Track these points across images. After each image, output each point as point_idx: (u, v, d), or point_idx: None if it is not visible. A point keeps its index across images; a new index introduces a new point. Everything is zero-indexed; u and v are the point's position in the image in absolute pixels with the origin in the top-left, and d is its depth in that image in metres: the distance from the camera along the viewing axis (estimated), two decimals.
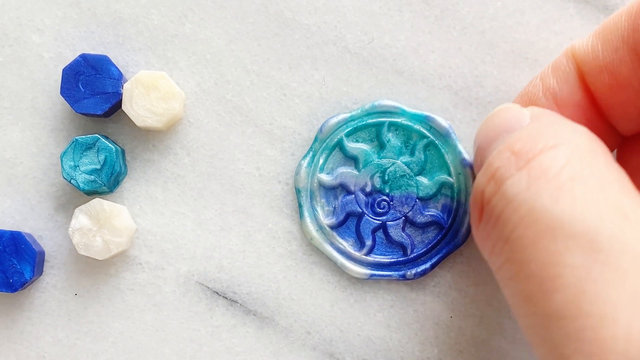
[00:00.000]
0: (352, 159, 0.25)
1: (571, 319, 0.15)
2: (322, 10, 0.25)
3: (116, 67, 0.24)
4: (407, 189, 0.25)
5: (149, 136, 0.25)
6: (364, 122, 0.25)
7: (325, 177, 0.25)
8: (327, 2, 0.25)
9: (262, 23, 0.25)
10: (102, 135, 0.24)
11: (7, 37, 0.25)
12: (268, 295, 0.25)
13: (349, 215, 0.25)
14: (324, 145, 0.25)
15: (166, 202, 0.25)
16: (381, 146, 0.25)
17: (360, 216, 0.25)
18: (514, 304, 0.17)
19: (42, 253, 0.25)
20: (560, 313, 0.16)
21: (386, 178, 0.25)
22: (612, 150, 0.22)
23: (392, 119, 0.25)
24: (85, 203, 0.24)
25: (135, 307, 0.25)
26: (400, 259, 0.25)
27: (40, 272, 0.25)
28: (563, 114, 0.21)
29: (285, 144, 0.25)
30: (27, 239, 0.24)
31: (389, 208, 0.25)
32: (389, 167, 0.25)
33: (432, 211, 0.25)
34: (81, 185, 0.24)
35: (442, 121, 0.24)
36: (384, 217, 0.25)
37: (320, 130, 0.25)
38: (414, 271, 0.25)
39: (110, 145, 0.24)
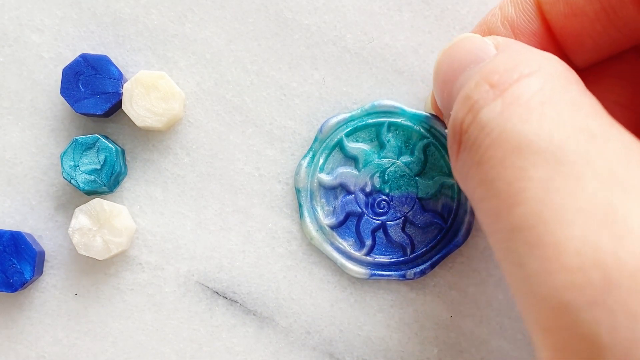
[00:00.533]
0: (352, 159, 0.25)
1: (532, 228, 0.16)
2: (322, 10, 0.25)
3: (116, 67, 0.24)
4: (407, 189, 0.25)
5: (149, 136, 0.25)
6: (363, 122, 0.25)
7: (325, 177, 0.25)
8: (327, 2, 0.25)
9: (262, 23, 0.25)
10: (102, 135, 0.24)
11: (7, 37, 0.25)
12: (268, 295, 0.25)
13: (349, 215, 0.25)
14: (324, 145, 0.25)
15: (166, 202, 0.25)
16: (381, 146, 0.25)
17: (360, 216, 0.25)
18: (485, 225, 0.18)
19: (42, 253, 0.25)
20: (523, 224, 0.16)
21: (386, 178, 0.25)
22: None
23: (392, 119, 0.25)
24: (85, 203, 0.24)
25: (135, 307, 0.25)
26: (400, 259, 0.25)
27: (40, 272, 0.25)
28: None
29: (285, 144, 0.25)
30: (27, 239, 0.24)
31: (389, 208, 0.25)
32: (389, 167, 0.25)
33: (432, 211, 0.25)
34: (81, 185, 0.24)
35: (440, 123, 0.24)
36: (384, 217, 0.25)
37: (320, 130, 0.25)
38: (414, 271, 0.25)
39: (110, 145, 0.24)
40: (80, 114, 0.24)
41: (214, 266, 0.25)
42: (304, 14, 0.25)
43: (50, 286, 0.25)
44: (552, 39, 0.22)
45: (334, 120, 0.25)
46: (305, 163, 0.25)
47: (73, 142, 0.24)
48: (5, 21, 0.25)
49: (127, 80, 0.25)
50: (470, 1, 0.25)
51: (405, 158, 0.25)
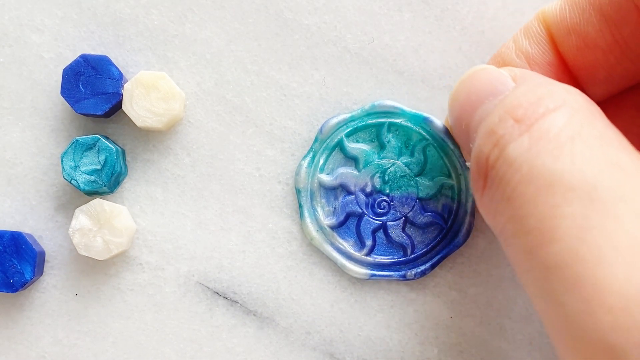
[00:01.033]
0: (353, 159, 0.25)
1: (569, 266, 0.15)
2: (322, 10, 0.25)
3: (116, 68, 0.24)
4: (407, 189, 0.25)
5: (149, 136, 0.25)
6: (364, 123, 0.25)
7: (325, 178, 0.25)
8: (327, 2, 0.25)
9: (262, 23, 0.25)
10: (102, 136, 0.24)
11: (7, 37, 0.25)
12: (268, 296, 0.25)
13: (349, 215, 0.25)
14: (324, 145, 0.25)
15: (166, 203, 0.25)
16: (381, 146, 0.25)
17: (360, 216, 0.25)
18: (516, 263, 0.18)
19: (43, 253, 0.25)
20: (558, 262, 0.16)
21: (386, 178, 0.25)
22: None
23: (392, 120, 0.25)
24: (85, 203, 0.24)
25: (135, 307, 0.25)
26: (401, 259, 0.25)
27: (41, 273, 0.25)
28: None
29: (285, 144, 0.25)
30: (28, 239, 0.24)
31: (389, 208, 0.25)
32: (389, 168, 0.25)
33: (432, 212, 0.25)
34: (81, 185, 0.24)
35: (440, 123, 0.24)
36: (384, 218, 0.25)
37: (321, 130, 0.25)
38: (414, 271, 0.25)
39: (110, 145, 0.24)
40: (81, 114, 0.24)
41: (214, 266, 0.25)
42: (304, 14, 0.25)
43: (50, 286, 0.25)
44: (568, 71, 0.22)
45: (334, 121, 0.25)
46: (305, 163, 0.25)
47: (73, 143, 0.24)
48: (5, 21, 0.25)
49: (127, 81, 0.25)
50: (470, 1, 0.25)
51: (406, 158, 0.25)
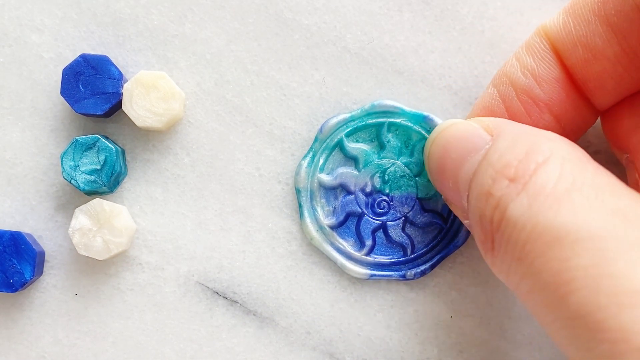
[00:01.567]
0: (352, 159, 0.25)
1: (591, 315, 0.16)
2: (322, 10, 0.25)
3: (116, 67, 0.24)
4: (407, 189, 0.25)
5: (149, 136, 0.25)
6: (364, 122, 0.25)
7: (325, 177, 0.25)
8: (327, 2, 0.25)
9: (262, 23, 0.25)
10: (102, 136, 0.24)
11: (7, 37, 0.25)
12: (268, 295, 0.25)
13: (349, 215, 0.25)
14: (324, 145, 0.25)
15: (166, 202, 0.25)
16: (381, 146, 0.25)
17: (360, 216, 0.25)
18: (538, 316, 0.18)
19: (42, 253, 0.25)
20: (580, 312, 0.16)
21: (386, 178, 0.25)
22: (592, 122, 0.23)
23: (392, 119, 0.25)
24: (85, 203, 0.24)
25: (135, 307, 0.25)
26: (400, 259, 0.25)
27: (41, 272, 0.25)
28: (543, 91, 0.22)
29: (285, 144, 0.25)
30: (27, 239, 0.24)
31: (389, 208, 0.25)
32: (389, 168, 0.25)
33: (432, 211, 0.25)
34: (81, 185, 0.24)
35: (440, 121, 0.24)
36: (384, 217, 0.25)
37: (320, 130, 0.25)
38: (414, 271, 0.25)
39: (110, 145, 0.24)
40: (81, 114, 0.24)
41: (214, 266, 0.25)
42: (304, 14, 0.25)
43: (50, 286, 0.25)
44: (574, 84, 0.22)
45: (334, 121, 0.25)
46: (305, 163, 0.25)
47: (73, 143, 0.24)
48: (5, 21, 0.25)
49: (127, 81, 0.25)
50: (470, 1, 0.25)
51: (405, 158, 0.25)
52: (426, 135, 0.25)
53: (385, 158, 0.25)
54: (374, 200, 0.25)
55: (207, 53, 0.25)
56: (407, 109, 0.25)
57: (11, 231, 0.24)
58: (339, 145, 0.25)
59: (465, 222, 0.22)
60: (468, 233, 0.25)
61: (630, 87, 0.21)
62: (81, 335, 0.25)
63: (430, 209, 0.25)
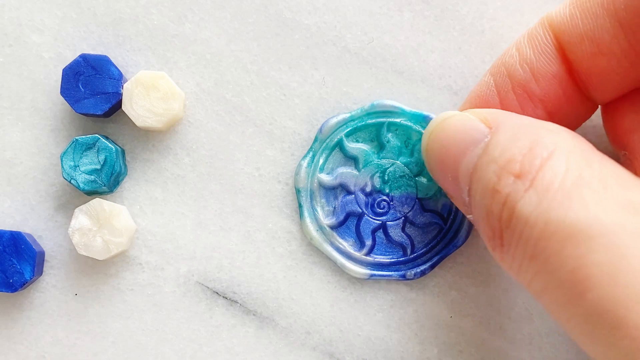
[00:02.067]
0: (352, 159, 0.25)
1: (610, 311, 0.16)
2: (322, 10, 0.25)
3: (116, 67, 0.24)
4: (406, 189, 0.25)
5: (149, 136, 0.25)
6: (363, 122, 0.25)
7: (325, 177, 0.25)
8: (327, 2, 0.25)
9: (262, 23, 0.25)
10: (102, 136, 0.24)
11: (7, 37, 0.25)
12: (268, 295, 0.25)
13: (349, 215, 0.25)
14: (324, 145, 0.25)
15: (166, 202, 0.25)
16: (381, 146, 0.25)
17: (360, 216, 0.25)
18: (553, 312, 0.18)
19: (42, 253, 0.25)
20: (598, 309, 0.16)
21: (386, 178, 0.25)
22: (586, 118, 0.23)
23: (392, 119, 0.25)
24: (85, 203, 0.24)
25: (135, 307, 0.25)
26: (400, 259, 0.25)
27: (40, 272, 0.25)
28: (539, 86, 0.21)
29: (285, 144, 0.25)
30: (27, 239, 0.24)
31: (389, 208, 0.25)
32: (388, 168, 0.25)
33: (432, 211, 0.25)
34: (81, 185, 0.24)
35: None
36: (384, 217, 0.25)
37: (320, 130, 0.25)
38: (414, 271, 0.25)
39: (110, 145, 0.24)
40: (80, 114, 0.24)
41: (214, 266, 0.25)
42: (304, 14, 0.25)
43: (50, 286, 0.25)
44: (572, 80, 0.22)
45: (334, 121, 0.25)
46: (305, 163, 0.25)
47: (73, 142, 0.24)
48: (5, 21, 0.25)
49: (127, 81, 0.25)
50: (470, 1, 0.25)
51: (405, 158, 0.25)
52: None
53: (385, 158, 0.25)
54: (374, 200, 0.25)
55: (207, 53, 0.25)
56: (407, 108, 0.25)
57: (11, 231, 0.24)
58: (339, 145, 0.25)
59: (468, 216, 0.22)
60: (468, 233, 0.25)
61: (634, 82, 0.21)
62: (81, 335, 0.25)
63: (430, 209, 0.25)
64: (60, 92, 0.24)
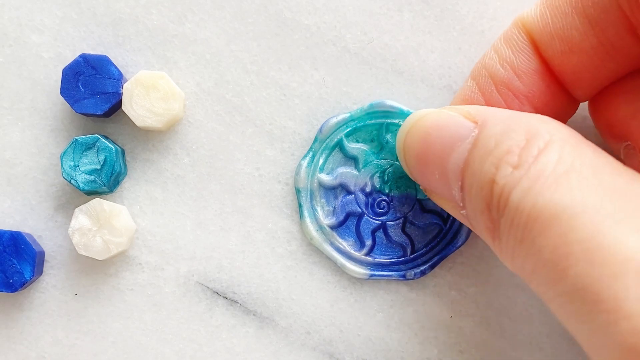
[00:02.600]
0: (352, 159, 0.25)
1: (588, 287, 0.16)
2: (322, 10, 0.25)
3: (116, 67, 0.24)
4: (406, 189, 0.25)
5: (149, 136, 0.25)
6: (363, 123, 0.25)
7: (325, 177, 0.25)
8: (327, 2, 0.25)
9: (262, 23, 0.25)
10: (102, 135, 0.24)
11: (7, 37, 0.25)
12: (268, 295, 0.25)
13: (349, 215, 0.25)
14: (323, 145, 0.25)
15: (166, 202, 0.25)
16: (381, 147, 0.25)
17: (360, 216, 0.25)
18: (541, 294, 0.18)
19: (42, 253, 0.25)
20: (578, 285, 0.16)
21: (386, 178, 0.25)
22: (569, 118, 0.23)
23: (391, 120, 0.25)
24: (85, 203, 0.24)
25: (135, 307, 0.25)
26: (400, 259, 0.25)
27: (40, 272, 0.25)
28: (523, 83, 0.22)
29: (285, 144, 0.25)
30: (27, 239, 0.24)
31: (389, 208, 0.25)
32: (388, 168, 0.25)
33: (432, 212, 0.25)
34: (81, 185, 0.24)
35: None
36: (384, 217, 0.25)
37: (320, 130, 0.25)
38: (413, 271, 0.25)
39: (110, 145, 0.24)
40: (80, 114, 0.24)
41: (214, 266, 0.25)
42: (304, 14, 0.25)
43: (50, 286, 0.25)
44: (553, 76, 0.22)
45: (334, 121, 0.25)
46: (305, 163, 0.25)
47: (73, 142, 0.24)
48: (5, 21, 0.25)
49: (127, 81, 0.25)
50: (470, 1, 0.25)
51: None
52: None
53: (384, 159, 0.25)
54: (374, 200, 0.25)
55: (207, 53, 0.25)
56: (406, 109, 0.25)
57: (11, 231, 0.24)
58: (339, 145, 0.25)
59: (461, 212, 0.22)
60: (468, 233, 0.25)
61: (607, 78, 0.21)
62: (81, 335, 0.25)
63: (430, 209, 0.25)
64: (60, 92, 0.24)
